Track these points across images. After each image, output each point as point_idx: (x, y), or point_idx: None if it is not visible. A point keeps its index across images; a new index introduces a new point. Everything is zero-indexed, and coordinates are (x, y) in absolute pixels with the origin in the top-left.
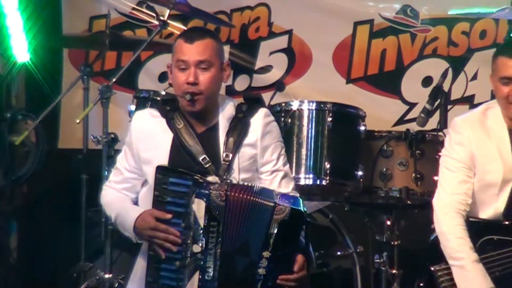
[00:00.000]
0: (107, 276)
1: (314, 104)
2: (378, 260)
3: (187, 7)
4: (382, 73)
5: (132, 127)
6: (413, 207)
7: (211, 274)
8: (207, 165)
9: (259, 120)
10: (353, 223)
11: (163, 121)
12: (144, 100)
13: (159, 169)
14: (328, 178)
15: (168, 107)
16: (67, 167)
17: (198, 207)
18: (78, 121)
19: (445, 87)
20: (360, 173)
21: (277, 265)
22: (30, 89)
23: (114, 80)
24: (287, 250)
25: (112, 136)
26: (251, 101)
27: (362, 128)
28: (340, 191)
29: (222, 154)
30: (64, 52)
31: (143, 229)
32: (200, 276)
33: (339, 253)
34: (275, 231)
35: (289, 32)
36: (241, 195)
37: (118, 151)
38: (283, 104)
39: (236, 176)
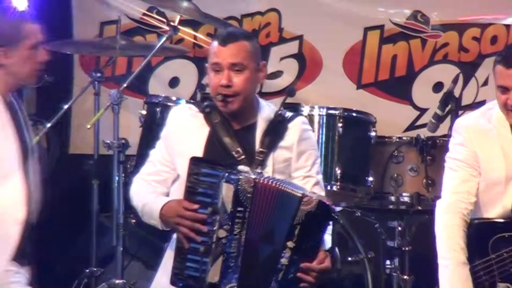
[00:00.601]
0: (118, 281)
1: (325, 110)
2: (389, 266)
3: (197, 13)
4: (392, 79)
5: (169, 120)
6: (424, 213)
7: (235, 260)
8: (240, 158)
9: (298, 125)
10: (364, 229)
11: (201, 116)
12: (155, 106)
13: (193, 160)
14: (338, 183)
15: (207, 103)
16: (78, 172)
17: (227, 192)
18: (89, 126)
19: (456, 93)
20: (370, 178)
21: (300, 258)
22: (41, 94)
23: (125, 85)
24: (312, 243)
25: (123, 141)
26: (290, 108)
27: (373, 133)
28: (350, 197)
29: (257, 151)
30: (75, 58)
31: (169, 216)
32: (224, 262)
33: (350, 258)
34: (301, 221)
35: (300, 38)
36: (269, 183)
37: (129, 157)
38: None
39: (269, 175)
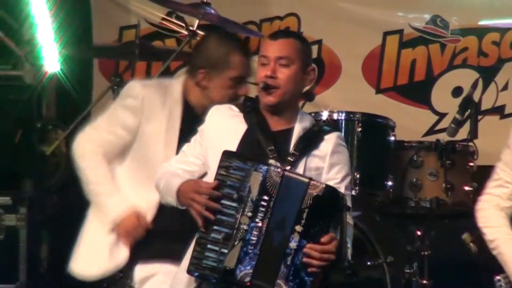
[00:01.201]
0: (137, 285)
1: (344, 114)
2: (408, 271)
3: (216, 17)
4: (412, 83)
5: (208, 116)
6: (443, 218)
7: (253, 247)
8: (272, 156)
9: (333, 138)
10: (383, 233)
11: (240, 116)
12: None
13: (225, 153)
14: (357, 188)
15: (248, 103)
16: None
17: (254, 180)
18: None
19: (476, 97)
20: (390, 183)
21: (308, 242)
22: (61, 99)
23: None
24: (320, 227)
25: None
26: (328, 123)
27: (392, 138)
28: (370, 202)
29: (290, 152)
30: (94, 62)
31: (185, 191)
32: (242, 248)
33: (369, 263)
34: (309, 205)
35: (319, 42)
36: (296, 176)
37: None
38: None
39: None
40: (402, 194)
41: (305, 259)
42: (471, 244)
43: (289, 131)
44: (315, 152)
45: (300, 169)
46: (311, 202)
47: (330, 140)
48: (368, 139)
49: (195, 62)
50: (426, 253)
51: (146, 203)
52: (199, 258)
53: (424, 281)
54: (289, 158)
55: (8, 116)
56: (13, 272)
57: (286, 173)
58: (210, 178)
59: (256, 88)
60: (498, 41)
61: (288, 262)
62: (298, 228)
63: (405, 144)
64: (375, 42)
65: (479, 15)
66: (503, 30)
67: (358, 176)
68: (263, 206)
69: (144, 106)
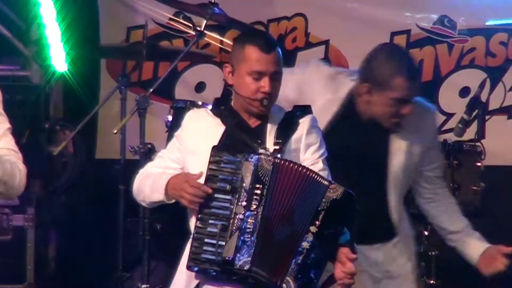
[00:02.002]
0: (144, 286)
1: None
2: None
3: (224, 18)
4: (419, 83)
5: (185, 121)
6: None
7: (250, 235)
8: (261, 147)
9: (307, 121)
10: None
11: (217, 119)
12: (181, 111)
13: (215, 148)
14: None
15: (222, 107)
16: (105, 177)
17: (246, 169)
18: (115, 131)
19: (483, 98)
20: None
21: (321, 244)
22: (68, 99)
23: (151, 90)
24: (334, 230)
25: (149, 146)
26: (301, 108)
27: None
28: None
29: (273, 143)
30: (101, 63)
31: (175, 183)
32: (239, 237)
33: None
34: (326, 208)
35: (326, 43)
36: (290, 165)
37: None
38: None
39: None
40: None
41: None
42: None
43: (264, 125)
44: (293, 136)
45: (284, 155)
46: (328, 205)
47: (304, 123)
48: None
49: (363, 73)
50: (433, 253)
51: None
52: (197, 253)
53: (432, 281)
54: (275, 147)
55: (16, 116)
56: (20, 273)
57: (280, 161)
58: None
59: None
60: (505, 41)
61: (299, 261)
62: (313, 228)
63: None
64: (382, 42)
65: (487, 15)
66: (510, 31)
67: None
68: (256, 194)
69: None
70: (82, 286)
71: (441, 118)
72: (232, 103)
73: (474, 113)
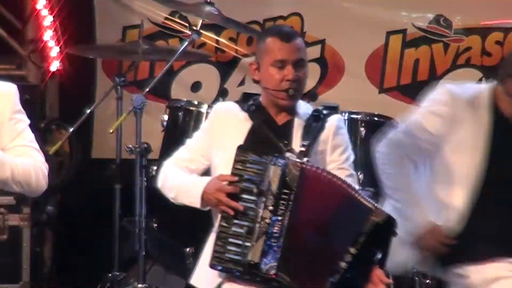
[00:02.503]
0: (140, 285)
1: (347, 114)
2: (411, 270)
3: (220, 17)
4: (415, 83)
5: (212, 114)
6: None
7: (277, 240)
8: (286, 149)
9: (334, 121)
10: None
11: (244, 113)
12: (177, 110)
13: (240, 148)
14: (361, 188)
15: (250, 102)
16: (101, 176)
17: (274, 174)
18: (111, 131)
19: None
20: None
21: (358, 265)
22: (64, 99)
23: (147, 90)
24: (373, 254)
25: (145, 145)
26: (328, 107)
27: None
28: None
29: (299, 144)
30: (97, 62)
31: (210, 193)
32: (265, 242)
33: None
34: (368, 231)
35: (322, 42)
36: (318, 171)
37: (151, 161)
38: None
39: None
40: None
41: None
42: None
43: (291, 122)
44: (320, 136)
45: (311, 157)
46: (371, 228)
47: (331, 124)
48: (372, 139)
49: (505, 70)
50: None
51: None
52: (221, 252)
53: (428, 281)
54: (301, 149)
55: None
56: (16, 272)
57: (307, 167)
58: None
59: (269, 92)
60: (501, 40)
61: (335, 280)
62: (353, 250)
63: None
64: (378, 41)
65: (483, 14)
66: (506, 30)
67: (361, 176)
68: (284, 199)
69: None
70: (78, 286)
71: None
72: (260, 99)
73: None
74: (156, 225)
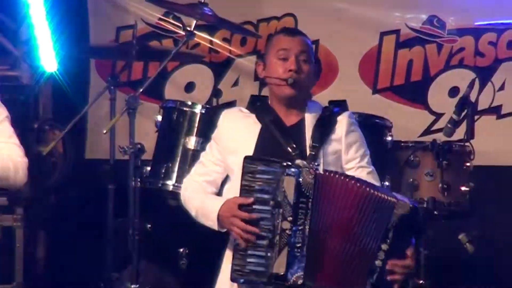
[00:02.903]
0: (133, 286)
1: None
2: None
3: (213, 18)
4: (408, 84)
5: (220, 121)
6: (440, 218)
7: (300, 250)
8: (294, 153)
9: (345, 118)
10: None
11: (252, 116)
12: (170, 111)
13: (247, 158)
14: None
15: (258, 103)
16: (94, 177)
17: (288, 184)
18: (105, 131)
19: (472, 98)
20: (386, 183)
21: (390, 256)
22: (57, 99)
23: (141, 90)
24: (405, 245)
25: (139, 146)
26: (337, 104)
27: (389, 138)
28: None
29: (309, 145)
30: (91, 63)
31: (225, 217)
32: (289, 252)
33: None
34: (395, 225)
35: (316, 43)
36: (331, 175)
37: (144, 162)
38: None
39: (320, 167)
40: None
41: (389, 277)
42: (467, 244)
43: (302, 122)
44: (331, 136)
45: (320, 158)
46: (397, 222)
47: (342, 121)
48: (365, 139)
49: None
50: (422, 253)
51: None
52: (241, 264)
53: (421, 281)
54: (310, 152)
55: None
56: (9, 273)
57: (320, 173)
58: (234, 182)
59: (272, 82)
60: (494, 41)
61: (374, 280)
62: (384, 246)
63: (402, 144)
64: (371, 42)
65: (476, 15)
66: (499, 31)
67: None
68: (302, 208)
69: None
70: (71, 287)
71: (430, 118)
72: (268, 101)
73: (463, 113)
74: (149, 225)
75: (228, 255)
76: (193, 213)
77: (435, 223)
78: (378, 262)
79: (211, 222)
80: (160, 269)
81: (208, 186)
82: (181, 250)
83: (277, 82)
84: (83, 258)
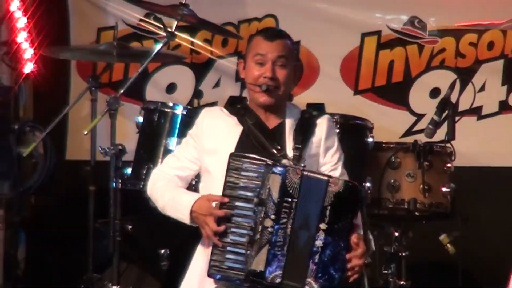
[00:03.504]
0: (115, 287)
1: None
2: (386, 272)
3: (194, 19)
4: (389, 85)
5: (200, 119)
6: (421, 219)
7: (281, 249)
8: (280, 154)
9: (325, 122)
10: None
11: (233, 117)
12: (151, 112)
13: (233, 155)
14: None
15: (238, 106)
16: (75, 178)
17: (273, 182)
18: (86, 132)
19: (453, 99)
20: (368, 184)
21: (334, 238)
22: (38, 100)
23: (122, 91)
24: (343, 223)
25: (120, 147)
26: (315, 108)
27: (370, 139)
28: None
29: (292, 147)
30: (71, 64)
31: (200, 214)
32: (269, 251)
33: None
34: (331, 203)
35: (297, 44)
36: (316, 176)
37: (126, 163)
38: None
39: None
40: (380, 195)
41: (350, 273)
42: (448, 245)
43: (282, 125)
44: (312, 139)
45: (303, 159)
46: (332, 199)
47: (322, 124)
48: (346, 140)
49: None
50: (403, 254)
51: None
52: (219, 260)
53: (402, 282)
54: (294, 153)
55: None
56: None
57: (305, 172)
58: (210, 181)
59: (248, 86)
60: (475, 42)
61: (316, 260)
62: (323, 226)
63: (383, 145)
64: (353, 43)
65: (457, 16)
66: (480, 32)
67: None
68: (285, 207)
69: None
70: (52, 287)
71: (411, 119)
72: (248, 102)
73: (444, 114)
74: (130, 226)
75: (200, 251)
76: (160, 203)
77: (416, 224)
78: (318, 243)
79: (183, 216)
80: (141, 271)
81: (179, 181)
82: (162, 251)
83: (251, 87)
84: (64, 259)
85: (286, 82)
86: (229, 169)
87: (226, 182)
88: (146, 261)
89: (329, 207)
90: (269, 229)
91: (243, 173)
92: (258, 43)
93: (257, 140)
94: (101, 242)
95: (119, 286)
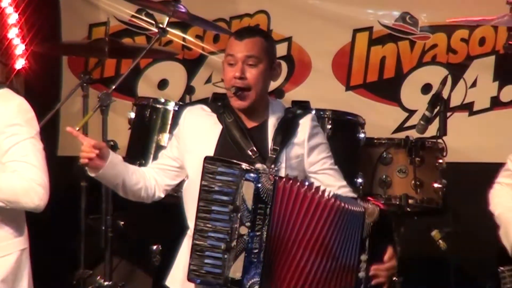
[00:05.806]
0: (106, 283)
1: (313, 112)
2: None
3: (186, 15)
4: (381, 80)
5: (181, 119)
6: (412, 214)
7: (257, 256)
8: (254, 156)
9: (307, 122)
10: None
11: (214, 116)
12: (143, 108)
13: (208, 159)
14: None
15: (219, 103)
16: (67, 174)
17: (247, 189)
18: (77, 128)
19: (444, 94)
20: (359, 180)
21: (372, 263)
22: (30, 96)
23: (113, 87)
24: (382, 248)
25: (112, 143)
26: (300, 106)
27: (362, 135)
28: None
29: (270, 148)
30: (63, 60)
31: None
32: (246, 258)
33: None
34: (369, 234)
35: (289, 40)
36: (289, 182)
37: None
38: None
39: (283, 171)
40: (371, 191)
41: (374, 281)
42: (440, 241)
43: (264, 125)
44: (293, 140)
45: (282, 162)
46: (370, 230)
47: (305, 125)
48: (338, 136)
49: None
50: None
51: None
52: (198, 265)
53: (394, 278)
54: (270, 155)
55: None
56: None
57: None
58: (192, 182)
59: (226, 90)
60: (466, 38)
61: None
62: (364, 257)
63: (375, 141)
64: (344, 39)
65: (448, 12)
66: (471, 27)
67: None
68: (260, 214)
69: None
70: (44, 284)
71: (403, 115)
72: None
73: (436, 110)
74: (122, 222)
75: (184, 247)
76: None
77: (408, 220)
78: (361, 274)
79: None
80: (133, 266)
81: (159, 172)
82: (154, 247)
83: (226, 91)
84: (56, 255)
85: (257, 81)
86: (204, 172)
87: (201, 185)
88: (138, 257)
89: (368, 239)
90: (245, 237)
91: (218, 177)
92: (230, 43)
93: (233, 141)
94: (93, 238)
95: (110, 282)
